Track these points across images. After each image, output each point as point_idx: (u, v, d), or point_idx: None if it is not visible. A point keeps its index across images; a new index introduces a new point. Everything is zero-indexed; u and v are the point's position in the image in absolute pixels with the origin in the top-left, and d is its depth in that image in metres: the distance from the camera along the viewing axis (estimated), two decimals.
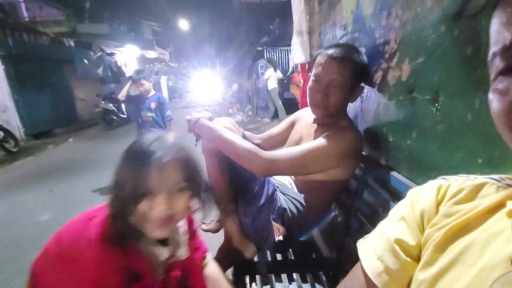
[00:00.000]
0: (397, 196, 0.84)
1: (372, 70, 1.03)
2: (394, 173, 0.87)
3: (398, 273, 0.40)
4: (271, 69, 6.61)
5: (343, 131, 0.95)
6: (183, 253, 0.68)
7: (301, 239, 1.11)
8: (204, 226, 1.21)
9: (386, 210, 0.85)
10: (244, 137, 1.33)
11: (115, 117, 7.66)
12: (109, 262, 0.54)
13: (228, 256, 1.08)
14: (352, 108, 1.20)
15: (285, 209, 1.05)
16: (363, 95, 1.12)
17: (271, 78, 6.51)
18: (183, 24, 26.08)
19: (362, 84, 1.02)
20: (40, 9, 11.41)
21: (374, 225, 0.88)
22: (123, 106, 7.98)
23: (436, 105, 0.72)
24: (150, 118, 2.79)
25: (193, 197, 0.63)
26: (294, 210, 1.06)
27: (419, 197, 0.44)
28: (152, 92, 2.84)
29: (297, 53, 1.86)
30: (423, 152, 0.79)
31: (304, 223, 1.07)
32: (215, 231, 1.19)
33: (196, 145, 0.95)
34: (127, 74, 7.68)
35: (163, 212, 0.55)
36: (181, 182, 0.57)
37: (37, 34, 7.48)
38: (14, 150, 5.30)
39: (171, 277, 0.65)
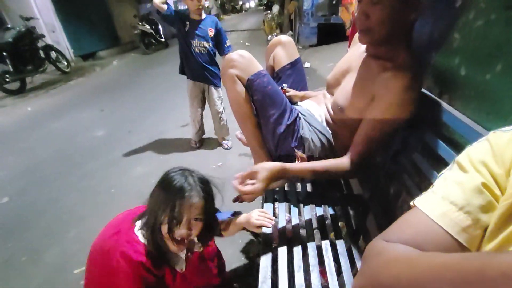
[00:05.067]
0: (454, 140, 0.74)
1: None
2: (457, 114, 0.74)
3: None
4: None
5: (398, 76, 0.75)
6: (198, 248, 0.93)
7: None
8: (238, 134, 1.31)
9: (436, 154, 0.76)
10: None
11: (153, 40, 7.59)
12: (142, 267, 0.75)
13: None
14: (416, 30, 0.98)
15: (307, 139, 1.02)
16: (436, 13, 0.90)
17: None
18: None
19: None
20: None
21: (419, 170, 0.81)
22: (160, 28, 7.76)
23: None
24: (205, 49, 2.08)
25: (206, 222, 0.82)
26: (318, 143, 1.03)
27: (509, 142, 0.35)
28: (203, 14, 2.07)
29: None
30: (505, 89, 0.64)
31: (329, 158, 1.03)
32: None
33: None
34: None
35: (182, 234, 0.75)
36: (200, 214, 0.77)
37: None
38: (67, 70, 5.69)
39: (192, 259, 0.92)
